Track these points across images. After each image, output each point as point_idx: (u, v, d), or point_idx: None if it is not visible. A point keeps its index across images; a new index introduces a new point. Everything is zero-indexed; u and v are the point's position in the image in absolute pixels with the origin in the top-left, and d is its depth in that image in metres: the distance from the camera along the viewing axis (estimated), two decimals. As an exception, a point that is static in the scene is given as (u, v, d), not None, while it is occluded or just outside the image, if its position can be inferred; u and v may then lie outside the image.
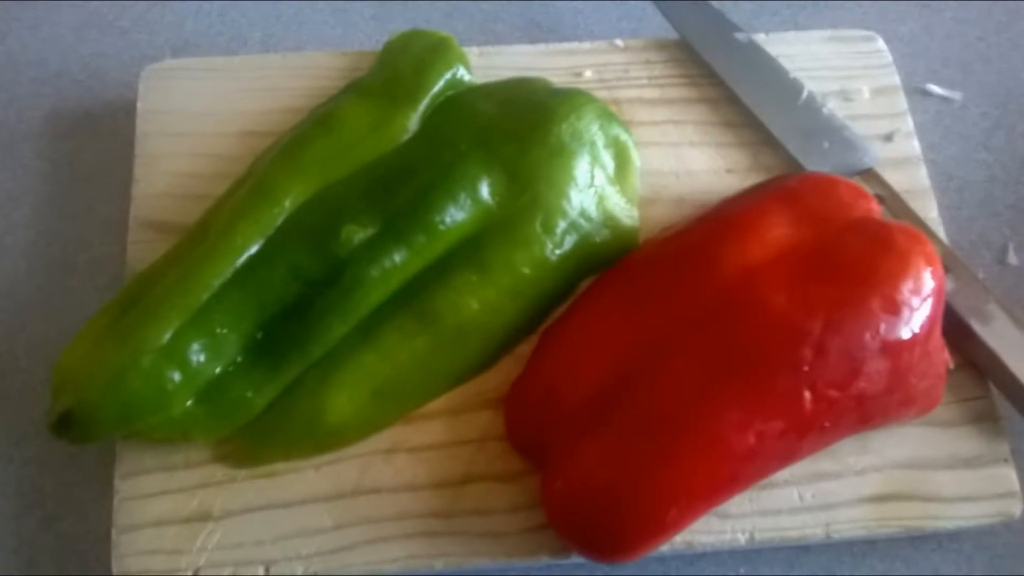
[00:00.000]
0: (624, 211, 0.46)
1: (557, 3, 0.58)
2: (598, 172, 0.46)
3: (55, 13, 0.57)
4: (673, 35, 0.52)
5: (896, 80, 0.52)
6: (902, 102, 0.51)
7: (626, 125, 0.48)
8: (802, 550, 0.43)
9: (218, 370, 0.40)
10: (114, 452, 0.42)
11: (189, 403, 0.40)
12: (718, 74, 0.51)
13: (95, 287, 0.48)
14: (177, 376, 0.39)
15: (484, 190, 0.43)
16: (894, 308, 0.38)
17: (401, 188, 0.43)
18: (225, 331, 0.40)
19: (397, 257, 0.42)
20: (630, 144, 0.47)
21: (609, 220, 0.45)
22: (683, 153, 0.49)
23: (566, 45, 0.52)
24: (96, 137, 0.52)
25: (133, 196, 0.47)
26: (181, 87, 0.50)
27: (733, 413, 0.37)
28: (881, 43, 0.53)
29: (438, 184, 0.43)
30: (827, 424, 0.38)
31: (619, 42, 0.52)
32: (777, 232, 0.40)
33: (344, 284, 0.41)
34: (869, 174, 0.48)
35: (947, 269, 0.42)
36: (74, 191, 0.51)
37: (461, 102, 0.46)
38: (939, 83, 0.56)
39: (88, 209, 0.50)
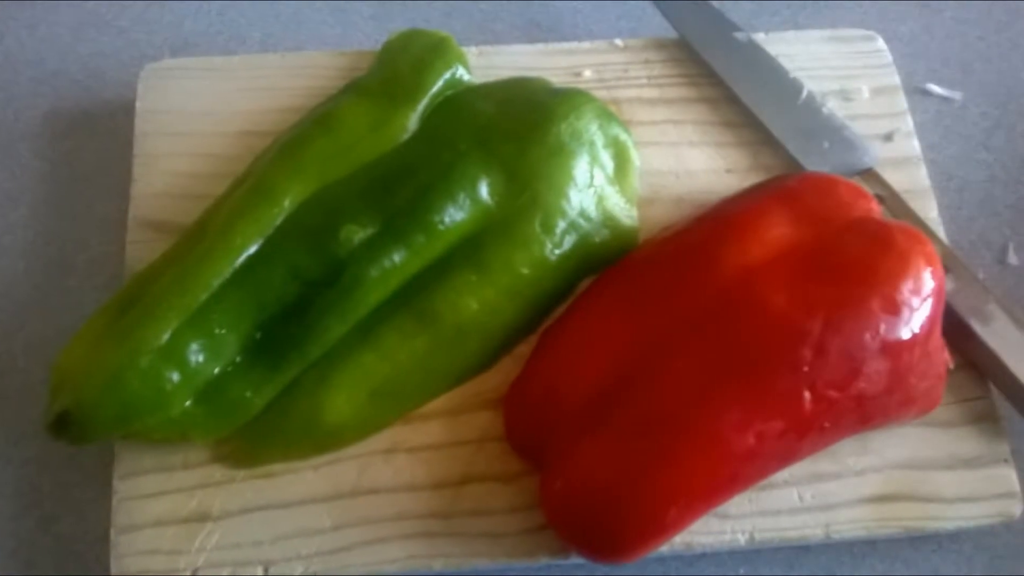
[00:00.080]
0: (623, 211, 0.46)
1: (556, 3, 0.58)
2: (597, 172, 0.45)
3: (53, 12, 0.56)
4: (672, 35, 0.52)
5: (896, 80, 0.52)
6: (902, 102, 0.51)
7: (625, 125, 0.48)
8: (802, 550, 0.43)
9: (217, 370, 0.40)
10: (113, 452, 0.42)
11: (188, 403, 0.40)
12: (718, 74, 0.51)
13: (93, 287, 0.48)
14: (176, 376, 0.39)
15: (483, 190, 0.43)
16: (894, 308, 0.38)
17: (400, 188, 0.43)
18: (224, 331, 0.40)
19: (396, 257, 0.42)
20: (629, 144, 0.47)
21: (608, 220, 0.45)
22: (682, 153, 0.49)
23: (565, 45, 0.52)
24: (95, 137, 0.52)
25: (132, 196, 0.47)
26: (180, 87, 0.50)
27: (733, 413, 0.37)
28: (881, 43, 0.53)
29: (437, 184, 0.43)
30: (827, 424, 0.38)
31: (618, 42, 0.52)
32: (777, 232, 0.40)
33: (343, 284, 0.41)
34: (869, 174, 0.48)
35: (947, 269, 0.42)
36: (72, 191, 0.51)
37: (460, 102, 0.46)
38: (939, 83, 0.56)
39: (86, 209, 0.50)
